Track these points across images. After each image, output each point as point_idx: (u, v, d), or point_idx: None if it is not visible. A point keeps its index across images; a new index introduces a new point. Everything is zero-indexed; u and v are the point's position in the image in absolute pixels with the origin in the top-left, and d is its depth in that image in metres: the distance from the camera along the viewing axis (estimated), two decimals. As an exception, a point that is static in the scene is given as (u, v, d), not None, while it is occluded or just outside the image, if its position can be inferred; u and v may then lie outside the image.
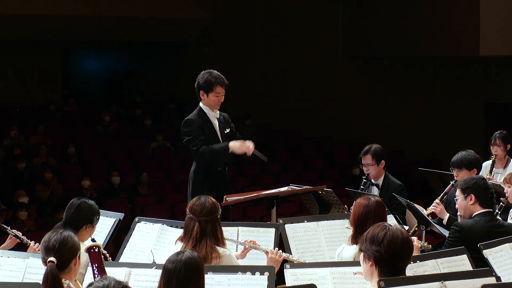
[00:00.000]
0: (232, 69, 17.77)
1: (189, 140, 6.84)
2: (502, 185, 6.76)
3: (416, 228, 6.33)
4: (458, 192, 5.63)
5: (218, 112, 7.01)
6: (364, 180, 7.29)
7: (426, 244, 5.63)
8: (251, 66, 17.62)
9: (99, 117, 16.57)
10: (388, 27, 15.24)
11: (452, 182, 6.83)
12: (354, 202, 5.10)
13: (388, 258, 3.74)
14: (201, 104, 7.01)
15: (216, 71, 6.99)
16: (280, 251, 5.18)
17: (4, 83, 18.14)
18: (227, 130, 7.02)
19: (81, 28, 16.72)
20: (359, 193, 6.72)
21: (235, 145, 6.79)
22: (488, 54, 14.01)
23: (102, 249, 4.48)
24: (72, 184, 13.64)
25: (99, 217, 5.33)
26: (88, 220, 5.21)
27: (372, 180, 7.26)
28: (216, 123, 6.99)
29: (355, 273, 4.47)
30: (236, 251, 5.47)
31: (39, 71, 18.64)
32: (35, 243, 5.64)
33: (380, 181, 7.22)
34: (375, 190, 7.22)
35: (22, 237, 5.78)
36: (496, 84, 15.90)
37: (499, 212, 6.44)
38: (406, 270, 4.50)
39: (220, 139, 6.96)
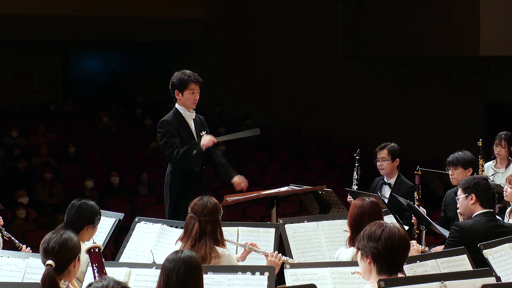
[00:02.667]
0: (232, 69, 17.81)
1: (164, 144, 6.76)
2: (502, 186, 6.76)
3: (418, 231, 6.33)
4: (459, 192, 5.63)
5: (194, 113, 6.90)
6: (380, 181, 7.34)
7: (427, 249, 5.63)
8: (251, 66, 17.62)
9: (99, 117, 16.57)
10: (388, 27, 15.25)
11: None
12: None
13: (386, 254, 3.75)
14: (176, 105, 6.91)
15: (189, 70, 6.91)
16: (280, 254, 5.17)
17: (4, 83, 18.14)
18: (203, 133, 6.88)
19: (81, 28, 16.72)
20: (359, 193, 6.73)
21: (203, 141, 6.72)
22: (488, 54, 14.01)
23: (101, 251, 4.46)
24: (72, 184, 13.64)
25: (100, 217, 5.34)
26: (90, 221, 5.21)
27: (385, 178, 7.29)
28: (192, 124, 6.88)
29: (353, 273, 4.48)
30: (236, 253, 5.46)
31: (39, 71, 18.64)
32: (26, 247, 5.63)
33: (392, 181, 7.26)
34: (387, 190, 7.25)
35: (15, 241, 5.76)
36: (496, 84, 15.90)
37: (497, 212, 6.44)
38: (406, 270, 4.52)
39: (196, 140, 6.85)
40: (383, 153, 7.27)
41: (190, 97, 6.83)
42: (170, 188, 6.84)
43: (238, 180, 6.80)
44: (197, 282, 3.88)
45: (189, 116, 6.88)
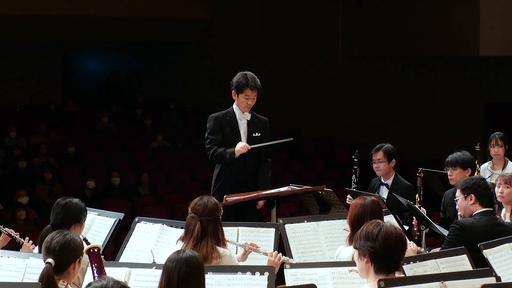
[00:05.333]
0: (232, 69, 17.78)
1: (205, 139, 7.03)
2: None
3: (418, 233, 6.32)
4: (458, 193, 5.64)
5: (249, 114, 7.04)
6: (378, 182, 7.33)
7: (423, 250, 5.63)
8: (251, 66, 17.57)
9: (99, 117, 16.58)
10: (388, 27, 15.24)
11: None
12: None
13: (384, 253, 3.77)
14: (234, 104, 7.07)
15: (251, 74, 7.06)
16: (280, 254, 5.17)
17: (4, 83, 18.15)
18: (257, 134, 7.02)
19: (81, 28, 16.73)
20: (359, 193, 6.72)
21: (237, 147, 6.88)
22: (488, 54, 14.00)
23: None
24: (72, 184, 13.64)
25: (86, 214, 5.31)
26: (76, 219, 5.17)
27: (382, 179, 7.28)
28: (243, 124, 7.03)
29: (350, 271, 4.48)
30: (236, 253, 5.46)
31: (39, 71, 18.65)
32: (28, 241, 5.61)
33: (389, 181, 7.26)
34: (384, 190, 7.24)
35: (15, 235, 5.75)
36: (496, 84, 15.90)
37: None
38: (406, 270, 4.52)
39: (243, 140, 6.98)
40: (378, 155, 7.26)
41: (244, 101, 6.98)
42: (215, 183, 7.04)
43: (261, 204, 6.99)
44: (199, 282, 3.88)
45: (242, 116, 7.02)
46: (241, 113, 7.02)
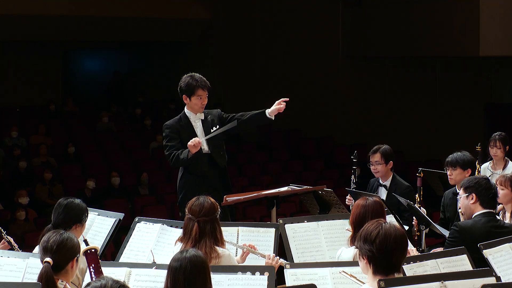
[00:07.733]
0: (232, 69, 17.82)
1: (164, 146, 6.91)
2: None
3: (418, 233, 6.32)
4: (461, 191, 5.65)
5: (202, 114, 6.97)
6: (376, 183, 7.33)
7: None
8: (251, 66, 17.62)
9: (99, 117, 16.58)
10: (388, 27, 15.24)
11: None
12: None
13: (381, 256, 3.78)
14: (185, 108, 6.97)
15: (198, 74, 6.93)
16: (278, 257, 5.15)
17: (4, 83, 18.15)
18: (215, 128, 6.93)
19: (81, 28, 16.74)
20: (359, 193, 6.72)
21: (188, 144, 6.71)
22: (488, 54, 14.00)
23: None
24: (72, 184, 13.64)
25: (87, 215, 5.30)
26: (77, 220, 5.17)
27: (380, 180, 7.28)
28: (198, 126, 6.95)
29: (341, 272, 4.47)
30: (236, 254, 5.45)
31: (39, 71, 18.66)
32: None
33: (388, 182, 7.25)
34: (383, 191, 7.24)
35: (14, 244, 5.74)
36: (496, 84, 15.90)
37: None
38: (406, 270, 4.52)
39: (203, 141, 6.86)
40: (376, 157, 7.26)
41: (198, 103, 6.89)
42: (180, 191, 6.90)
43: (274, 107, 7.27)
44: (205, 281, 3.88)
45: (196, 118, 6.93)
46: (195, 115, 6.93)
